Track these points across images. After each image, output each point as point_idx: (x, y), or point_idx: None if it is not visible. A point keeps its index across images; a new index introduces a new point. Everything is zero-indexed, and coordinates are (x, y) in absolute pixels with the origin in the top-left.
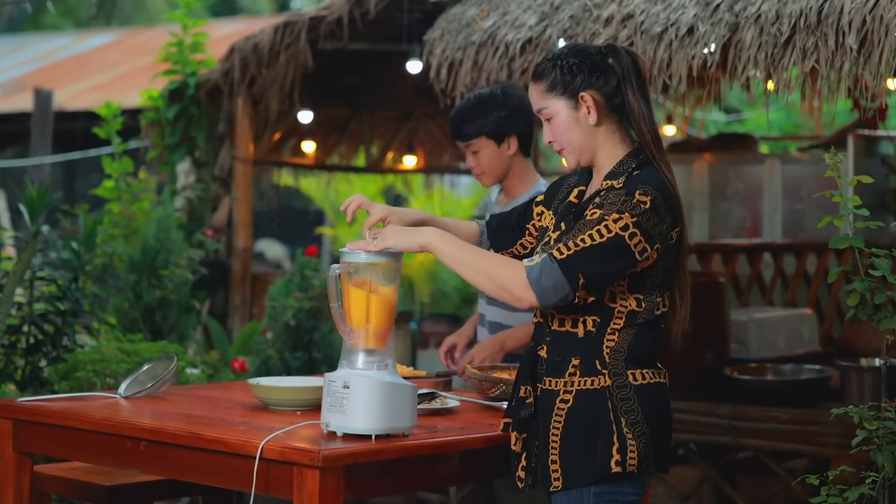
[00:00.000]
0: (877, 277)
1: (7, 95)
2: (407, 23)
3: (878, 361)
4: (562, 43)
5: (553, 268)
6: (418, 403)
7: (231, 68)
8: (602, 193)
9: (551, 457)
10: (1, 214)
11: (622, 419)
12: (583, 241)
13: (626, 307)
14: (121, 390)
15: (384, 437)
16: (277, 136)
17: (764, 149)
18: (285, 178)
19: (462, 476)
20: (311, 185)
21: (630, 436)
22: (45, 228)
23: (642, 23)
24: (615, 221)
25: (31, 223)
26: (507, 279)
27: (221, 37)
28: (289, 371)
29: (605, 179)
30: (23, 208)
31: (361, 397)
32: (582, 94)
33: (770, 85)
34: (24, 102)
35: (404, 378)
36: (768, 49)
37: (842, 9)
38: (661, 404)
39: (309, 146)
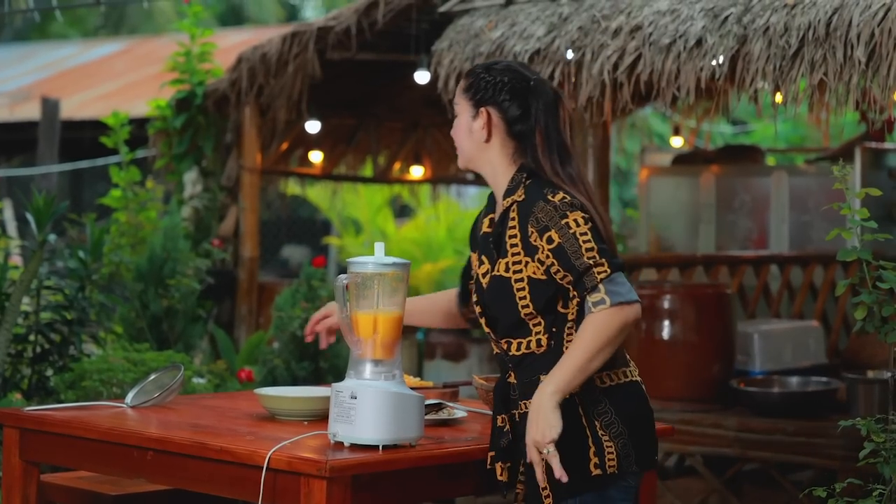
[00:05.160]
0: (884, 290)
1: (14, 104)
2: (415, 33)
3: (884, 374)
4: (570, 54)
5: (613, 279)
6: (426, 414)
7: (239, 78)
8: (511, 215)
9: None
10: (8, 223)
11: (595, 423)
12: (589, 248)
13: (573, 306)
14: (127, 400)
15: (391, 448)
16: (285, 145)
17: (771, 161)
18: (292, 187)
19: (469, 487)
20: (319, 195)
21: (606, 437)
22: (52, 237)
23: (651, 34)
24: (575, 221)
25: (38, 232)
26: (618, 327)
27: (229, 46)
28: (295, 381)
29: (504, 199)
30: (30, 217)
31: (369, 407)
32: (483, 107)
33: (778, 97)
34: (31, 111)
35: (411, 388)
36: (776, 61)
37: (850, 21)
38: (635, 402)
39: (316, 156)
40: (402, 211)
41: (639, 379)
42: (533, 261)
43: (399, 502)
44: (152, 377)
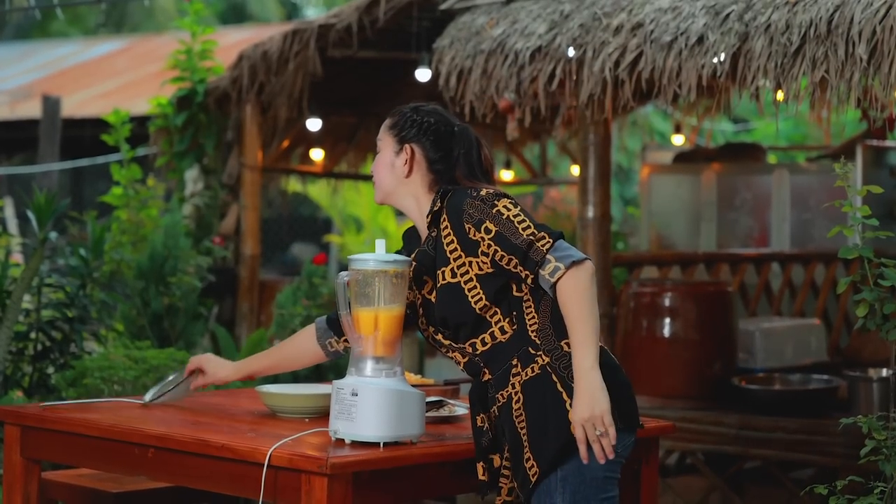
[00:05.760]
0: (886, 287)
1: (15, 102)
2: (416, 31)
3: (885, 372)
4: (571, 52)
5: (557, 246)
6: (426, 411)
7: (240, 76)
8: (443, 224)
9: (526, 455)
10: (9, 221)
11: (572, 387)
12: (525, 227)
13: (526, 286)
14: (147, 398)
15: (392, 445)
16: (286, 143)
17: (772, 159)
18: (293, 185)
19: (470, 484)
20: (320, 193)
21: None
22: (53, 235)
23: (652, 32)
24: (505, 207)
25: (39, 230)
26: (586, 284)
27: (230, 44)
28: (296, 378)
29: (427, 216)
30: (31, 215)
31: (370, 405)
32: (407, 144)
33: (779, 95)
34: (32, 109)
35: (412, 386)
36: (778, 59)
37: (852, 19)
38: (606, 364)
39: (317, 154)
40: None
41: (602, 345)
42: (477, 257)
43: (400, 499)
44: (172, 378)
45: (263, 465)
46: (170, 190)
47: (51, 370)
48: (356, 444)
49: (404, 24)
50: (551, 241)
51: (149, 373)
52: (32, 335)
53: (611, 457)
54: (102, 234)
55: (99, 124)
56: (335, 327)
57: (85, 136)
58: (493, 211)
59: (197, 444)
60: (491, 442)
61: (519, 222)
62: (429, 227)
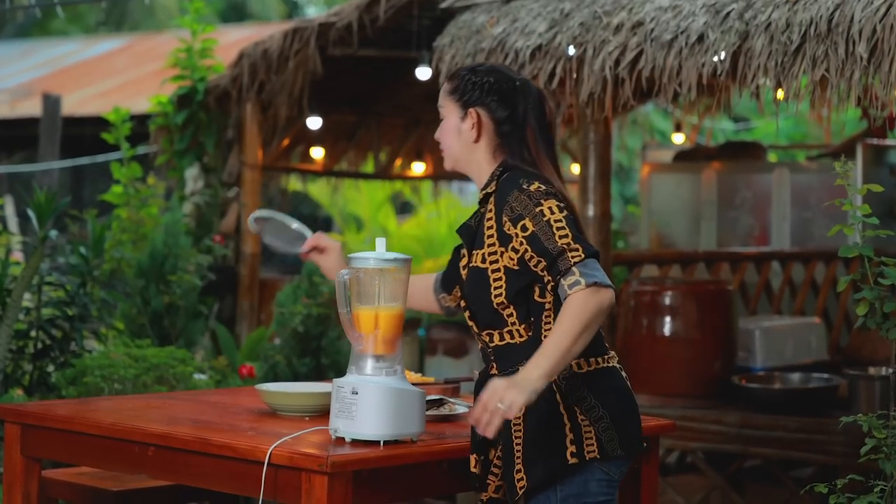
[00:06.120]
0: (886, 286)
1: (15, 101)
2: (416, 29)
3: (886, 370)
4: (571, 50)
5: (587, 263)
6: (427, 410)
7: (240, 74)
8: (489, 206)
9: (516, 466)
10: (9, 219)
11: (575, 409)
12: (563, 234)
13: (549, 294)
14: (254, 218)
15: (393, 444)
16: (286, 142)
17: (772, 157)
18: (294, 183)
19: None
20: (321, 191)
21: (586, 423)
22: (54, 233)
23: (652, 30)
24: (549, 209)
25: (40, 228)
26: (594, 310)
27: (230, 43)
28: (297, 377)
29: (481, 191)
30: (31, 213)
31: (370, 403)
32: (472, 108)
33: (780, 93)
34: (32, 108)
35: (413, 384)
36: (778, 57)
37: (852, 17)
38: (615, 387)
39: (317, 152)
40: (404, 207)
41: (618, 366)
42: (507, 250)
43: (400, 498)
44: (296, 225)
45: (264, 463)
46: (170, 188)
47: (51, 368)
48: (356, 443)
49: (404, 23)
50: (583, 255)
51: (149, 371)
52: (33, 333)
53: (490, 434)
54: (103, 232)
55: (99, 122)
56: (445, 285)
57: (85, 134)
58: (537, 210)
59: (197, 443)
60: (485, 437)
61: (558, 228)
62: (480, 203)
